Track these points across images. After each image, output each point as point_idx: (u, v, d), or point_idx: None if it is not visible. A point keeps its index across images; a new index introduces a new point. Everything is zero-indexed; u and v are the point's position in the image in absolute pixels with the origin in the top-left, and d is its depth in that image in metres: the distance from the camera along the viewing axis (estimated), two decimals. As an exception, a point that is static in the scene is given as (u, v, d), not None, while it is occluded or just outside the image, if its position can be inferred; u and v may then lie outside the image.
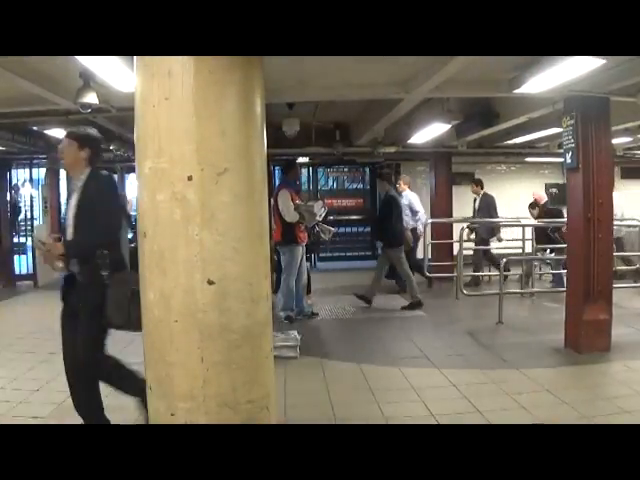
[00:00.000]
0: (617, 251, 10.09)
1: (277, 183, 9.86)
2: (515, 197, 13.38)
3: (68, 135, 3.84)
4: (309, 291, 9.06)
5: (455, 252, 10.28)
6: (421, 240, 10.38)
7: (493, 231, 10.72)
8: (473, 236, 10.89)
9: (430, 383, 5.26)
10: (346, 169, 15.60)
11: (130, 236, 3.85)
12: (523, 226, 10.26)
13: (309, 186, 15.02)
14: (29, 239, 11.92)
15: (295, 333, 6.49)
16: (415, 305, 8.59)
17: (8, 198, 11.87)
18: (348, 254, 14.76)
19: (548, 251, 10.01)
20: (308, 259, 10.70)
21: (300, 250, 7.98)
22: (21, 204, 13.28)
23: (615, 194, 10.57)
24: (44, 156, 11.49)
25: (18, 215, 12.95)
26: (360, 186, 15.67)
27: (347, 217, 14.83)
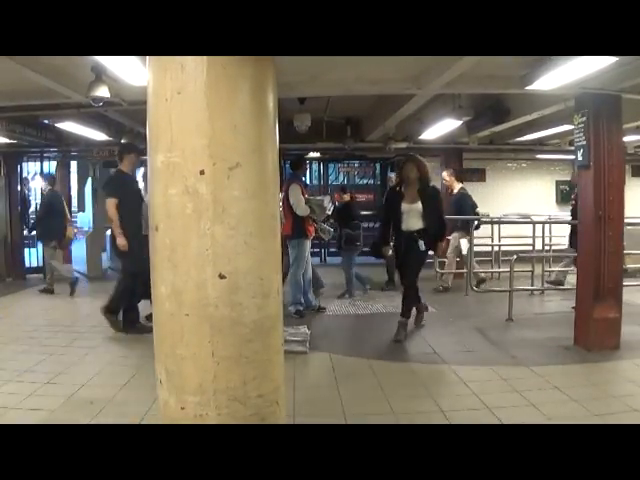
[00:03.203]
0: None
1: (286, 178, 9.85)
2: (525, 194, 13.38)
3: None
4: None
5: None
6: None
7: None
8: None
9: (439, 379, 5.27)
10: (357, 164, 15.56)
11: None
12: (534, 223, 10.23)
13: (320, 181, 15.05)
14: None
15: (304, 328, 6.51)
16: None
17: (18, 191, 11.91)
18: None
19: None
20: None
21: (308, 244, 7.99)
22: (31, 197, 13.32)
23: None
24: (55, 149, 11.54)
25: (28, 208, 12.97)
26: (371, 181, 15.63)
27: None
